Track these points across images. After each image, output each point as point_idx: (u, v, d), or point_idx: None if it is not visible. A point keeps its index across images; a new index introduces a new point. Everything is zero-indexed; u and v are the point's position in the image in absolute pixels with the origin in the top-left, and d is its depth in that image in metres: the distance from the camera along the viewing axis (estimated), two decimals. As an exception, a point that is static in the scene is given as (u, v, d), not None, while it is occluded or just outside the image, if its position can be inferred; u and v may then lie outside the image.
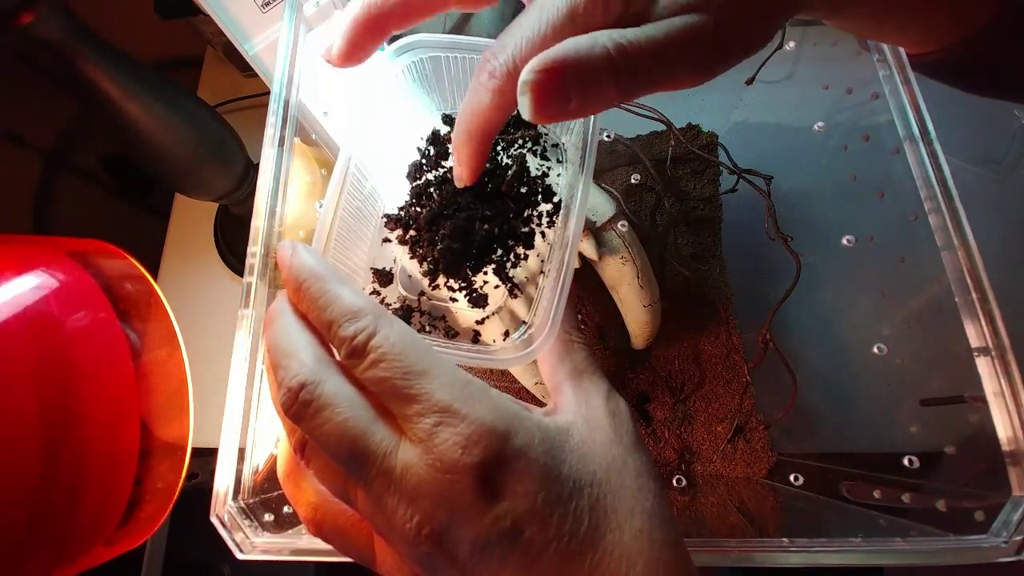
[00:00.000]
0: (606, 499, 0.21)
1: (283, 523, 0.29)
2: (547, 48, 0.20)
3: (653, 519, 0.21)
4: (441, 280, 0.30)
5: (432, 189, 0.31)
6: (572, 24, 0.20)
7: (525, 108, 0.19)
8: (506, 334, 0.32)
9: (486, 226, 0.29)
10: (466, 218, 0.29)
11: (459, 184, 0.26)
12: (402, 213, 0.31)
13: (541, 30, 0.20)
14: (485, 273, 0.30)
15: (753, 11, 0.20)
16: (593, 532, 0.20)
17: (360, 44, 0.25)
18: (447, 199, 0.29)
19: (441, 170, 0.32)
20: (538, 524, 0.19)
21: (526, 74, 0.19)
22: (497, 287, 0.30)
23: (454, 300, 0.31)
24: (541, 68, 0.19)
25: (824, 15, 0.24)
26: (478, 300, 0.30)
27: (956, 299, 0.30)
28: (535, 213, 0.31)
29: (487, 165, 0.31)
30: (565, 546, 0.19)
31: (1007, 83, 0.27)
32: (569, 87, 0.19)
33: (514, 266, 0.30)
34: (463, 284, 0.30)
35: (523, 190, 0.31)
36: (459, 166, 0.25)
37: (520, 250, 0.30)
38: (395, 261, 0.33)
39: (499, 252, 0.30)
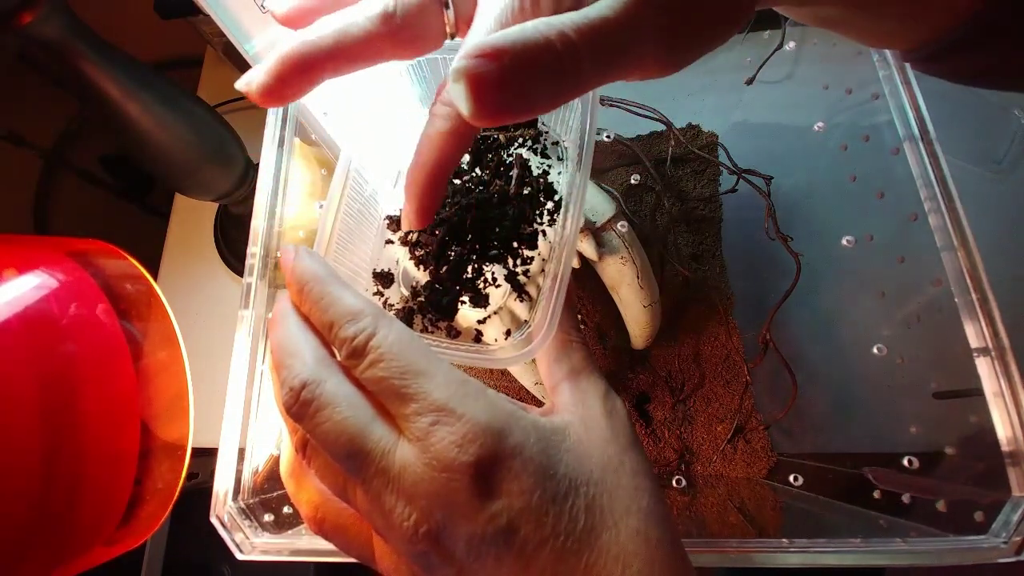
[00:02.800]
0: (602, 498, 0.21)
1: (283, 523, 0.29)
2: None
3: (649, 518, 0.21)
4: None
5: None
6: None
7: (461, 100, 0.15)
8: (507, 333, 0.32)
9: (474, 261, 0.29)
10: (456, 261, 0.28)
11: (407, 228, 0.23)
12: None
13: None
14: (492, 274, 0.30)
15: None
16: (589, 531, 0.20)
17: (287, 81, 0.21)
18: (447, 200, 0.29)
19: None
20: (533, 523, 0.19)
21: (459, 60, 0.15)
22: (499, 287, 0.31)
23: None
24: (478, 53, 0.15)
25: (788, 9, 0.22)
26: (479, 300, 0.30)
27: (956, 299, 0.30)
28: (537, 213, 0.31)
29: (490, 162, 0.31)
30: (560, 545, 0.19)
31: (996, 78, 0.26)
32: (517, 75, 0.15)
33: (514, 266, 0.30)
34: (467, 285, 0.30)
35: (526, 191, 0.31)
36: (409, 204, 0.22)
37: (525, 252, 0.30)
38: (397, 262, 0.33)
39: (505, 257, 0.30)
